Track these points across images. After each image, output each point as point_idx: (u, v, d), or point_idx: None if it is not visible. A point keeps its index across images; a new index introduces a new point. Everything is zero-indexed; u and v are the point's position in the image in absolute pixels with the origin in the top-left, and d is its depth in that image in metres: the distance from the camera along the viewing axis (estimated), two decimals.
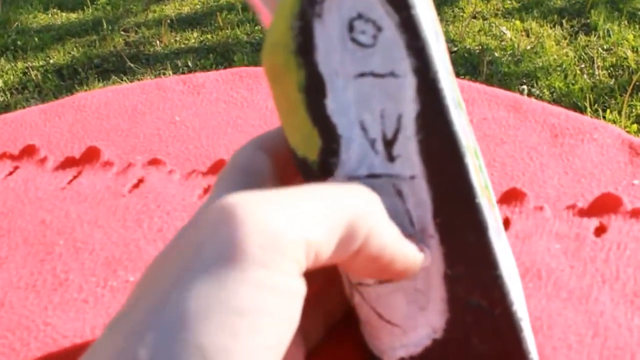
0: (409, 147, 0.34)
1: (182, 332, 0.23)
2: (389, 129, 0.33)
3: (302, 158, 0.35)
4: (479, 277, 0.36)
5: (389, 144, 0.34)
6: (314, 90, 0.34)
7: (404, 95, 0.33)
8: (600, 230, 0.51)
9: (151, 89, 0.75)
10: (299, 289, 0.27)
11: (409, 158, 0.34)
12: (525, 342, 0.37)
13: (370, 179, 0.34)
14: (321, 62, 0.33)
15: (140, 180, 0.60)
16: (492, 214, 0.37)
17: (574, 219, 0.52)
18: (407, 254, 0.33)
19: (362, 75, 0.33)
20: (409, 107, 0.33)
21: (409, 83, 0.33)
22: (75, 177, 0.61)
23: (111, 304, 0.48)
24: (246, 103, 0.71)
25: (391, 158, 0.34)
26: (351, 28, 0.33)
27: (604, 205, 0.52)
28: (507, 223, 0.52)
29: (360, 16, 0.33)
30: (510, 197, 0.54)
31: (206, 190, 0.58)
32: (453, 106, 0.34)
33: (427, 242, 0.35)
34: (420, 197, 0.34)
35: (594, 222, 0.51)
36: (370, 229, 0.30)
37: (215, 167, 0.60)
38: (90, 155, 0.63)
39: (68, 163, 0.63)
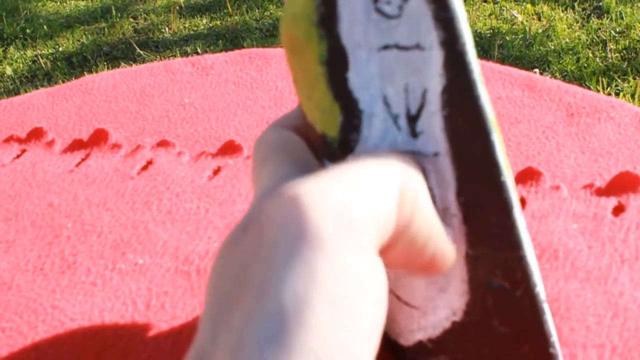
0: (433, 123, 0.32)
1: (288, 341, 0.21)
2: (413, 104, 0.32)
3: (322, 134, 0.34)
4: (502, 258, 0.34)
5: (412, 119, 0.32)
6: (335, 63, 0.32)
7: (430, 69, 0.32)
8: (618, 210, 0.50)
9: (159, 71, 0.74)
10: (381, 266, 0.25)
11: (433, 134, 0.32)
12: (547, 325, 0.36)
13: None
14: (344, 34, 0.32)
15: (149, 162, 0.59)
16: (514, 194, 0.35)
17: (591, 198, 0.51)
18: (445, 239, 0.32)
19: (386, 47, 0.32)
20: (435, 82, 0.32)
21: (435, 56, 0.32)
22: (83, 159, 0.60)
23: (119, 286, 0.47)
24: (255, 84, 0.70)
25: (414, 134, 0.33)
26: None
27: (622, 185, 0.51)
28: (522, 203, 0.51)
29: None
30: (525, 177, 0.53)
31: (215, 172, 0.57)
32: (480, 81, 0.33)
33: (449, 221, 0.34)
34: (443, 175, 0.33)
35: (612, 202, 0.50)
36: (415, 204, 0.29)
37: (225, 149, 0.59)
38: (98, 138, 0.62)
39: (76, 145, 0.62)
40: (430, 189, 0.33)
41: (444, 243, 0.32)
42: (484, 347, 0.37)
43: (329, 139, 0.34)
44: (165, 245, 0.50)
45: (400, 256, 0.30)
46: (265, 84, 0.70)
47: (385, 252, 0.28)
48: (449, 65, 0.31)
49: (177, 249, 0.49)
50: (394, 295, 0.37)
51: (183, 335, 0.43)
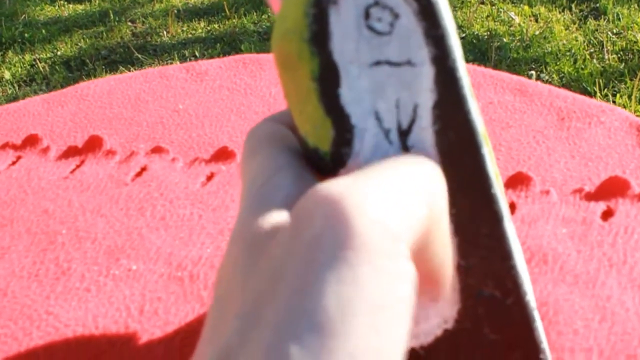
0: (424, 137, 0.33)
1: (328, 342, 0.21)
2: (404, 119, 0.33)
3: (313, 148, 0.35)
4: (493, 268, 0.35)
5: (404, 134, 0.33)
6: (327, 79, 0.33)
7: (421, 85, 0.32)
8: (607, 214, 0.50)
9: (154, 77, 0.74)
10: (413, 271, 0.25)
11: (424, 149, 0.33)
12: (538, 331, 0.36)
13: None
14: (336, 50, 0.32)
15: (143, 169, 0.59)
16: (504, 203, 0.36)
17: (580, 202, 0.51)
18: (450, 259, 0.32)
19: (377, 63, 0.33)
20: (426, 97, 0.32)
21: (427, 72, 0.32)
22: (78, 166, 0.61)
23: (113, 292, 0.47)
24: (249, 90, 0.70)
25: (406, 148, 0.33)
26: (367, 15, 0.32)
27: (612, 189, 0.52)
28: (512, 207, 0.51)
29: (376, 3, 0.32)
30: (516, 182, 0.53)
31: (209, 178, 0.58)
32: (470, 95, 0.33)
33: None
34: None
35: (601, 206, 0.51)
36: (441, 211, 0.29)
37: (218, 155, 0.60)
38: (93, 144, 0.63)
39: (71, 152, 0.63)
40: None
41: (449, 269, 0.32)
42: (476, 354, 0.37)
43: (321, 152, 0.34)
44: (158, 251, 0.50)
45: (420, 267, 0.30)
46: (259, 89, 0.70)
47: None
48: (440, 81, 0.32)
49: (171, 254, 0.50)
50: None
51: (175, 341, 0.43)
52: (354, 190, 0.25)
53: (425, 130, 0.32)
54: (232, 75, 0.73)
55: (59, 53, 2.75)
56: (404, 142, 0.33)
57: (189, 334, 0.44)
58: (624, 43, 2.44)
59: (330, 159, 0.34)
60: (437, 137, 0.32)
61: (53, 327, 0.45)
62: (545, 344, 0.36)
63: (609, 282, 0.44)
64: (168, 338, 0.44)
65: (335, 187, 0.25)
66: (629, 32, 2.49)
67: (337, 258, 0.23)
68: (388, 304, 0.23)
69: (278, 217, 0.27)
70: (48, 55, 2.74)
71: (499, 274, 0.35)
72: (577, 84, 2.21)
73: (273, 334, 0.22)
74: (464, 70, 0.32)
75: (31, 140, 0.64)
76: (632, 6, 2.65)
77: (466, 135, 0.32)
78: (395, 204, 0.25)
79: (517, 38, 2.53)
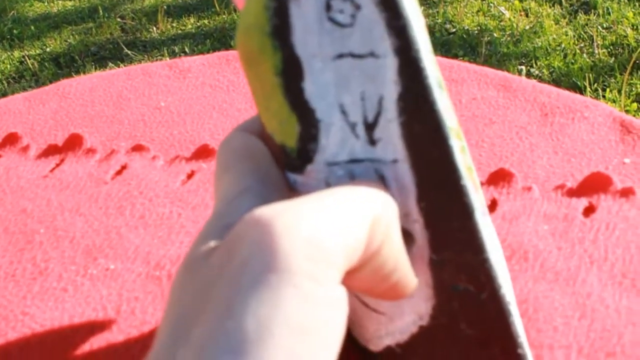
0: (391, 130, 0.32)
1: None
2: (370, 112, 0.32)
3: (281, 145, 0.34)
4: (465, 262, 0.34)
5: (370, 127, 0.32)
6: (291, 73, 0.32)
7: (385, 77, 0.32)
8: (589, 211, 0.50)
9: (137, 74, 0.74)
10: (344, 296, 0.25)
11: (391, 141, 0.33)
12: (514, 326, 0.36)
13: (351, 164, 0.33)
14: (298, 44, 0.32)
15: (124, 167, 0.59)
16: (477, 197, 0.35)
17: (562, 199, 0.51)
18: (409, 270, 0.32)
19: (340, 56, 0.32)
20: (390, 89, 0.32)
21: (390, 63, 0.32)
22: (57, 164, 0.60)
23: (90, 292, 0.47)
24: (232, 87, 0.70)
25: (372, 142, 0.33)
26: (328, 7, 0.32)
27: (594, 185, 0.51)
28: (494, 204, 0.51)
29: None
30: (497, 178, 0.53)
31: (189, 176, 0.57)
32: (436, 86, 0.33)
33: (411, 227, 0.34)
34: (403, 181, 0.33)
35: (583, 202, 0.50)
36: (386, 234, 0.29)
37: (199, 153, 0.59)
38: (73, 143, 0.62)
39: (51, 151, 0.62)
40: (391, 196, 0.33)
41: (407, 274, 0.32)
42: (453, 351, 0.37)
43: (288, 149, 0.34)
44: (137, 250, 0.50)
45: (364, 281, 0.30)
46: (241, 86, 0.69)
47: (349, 275, 0.28)
48: (403, 72, 0.31)
49: (149, 253, 0.49)
50: (361, 302, 0.37)
51: (152, 340, 0.43)
52: (285, 214, 0.25)
53: (391, 123, 0.32)
54: (215, 72, 0.72)
55: (48, 49, 2.74)
56: (371, 135, 0.32)
57: None
58: (614, 37, 2.44)
59: (297, 156, 0.33)
60: (403, 129, 0.32)
61: (29, 327, 0.45)
62: (523, 339, 0.36)
63: (589, 279, 0.44)
64: (144, 337, 0.43)
65: (268, 211, 0.25)
66: (619, 26, 2.49)
67: (259, 281, 0.23)
68: (311, 328, 0.23)
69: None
70: (37, 51, 2.73)
71: (472, 267, 0.34)
72: (567, 79, 2.21)
73: (196, 355, 0.22)
74: (430, 61, 0.32)
75: (11, 139, 0.64)
76: (621, 0, 2.65)
77: (432, 127, 0.32)
78: (329, 227, 0.25)
79: (508, 33, 2.52)
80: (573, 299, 0.43)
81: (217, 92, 0.69)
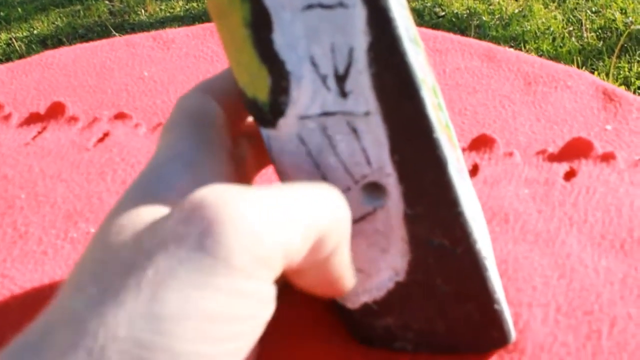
0: (361, 81, 0.32)
1: (155, 336, 0.21)
2: (340, 64, 0.32)
3: (252, 99, 0.34)
4: (440, 216, 0.34)
5: (341, 79, 0.32)
6: (260, 25, 0.32)
7: (354, 27, 0.32)
8: (570, 175, 0.50)
9: (120, 45, 0.73)
10: (272, 295, 0.26)
11: (363, 93, 0.32)
12: (490, 281, 0.36)
13: (324, 118, 0.33)
14: None
15: (106, 134, 0.59)
16: (453, 153, 0.35)
17: (543, 164, 0.51)
18: (351, 276, 0.33)
19: (309, 7, 0.32)
20: (360, 39, 0.32)
21: (359, 13, 0.32)
22: (39, 132, 0.60)
23: (71, 255, 0.47)
24: (216, 57, 0.69)
25: (344, 94, 0.33)
26: None
27: (575, 150, 0.51)
28: (475, 169, 0.51)
29: None
30: (479, 144, 0.53)
31: None
32: (407, 38, 0.32)
33: (384, 181, 0.34)
34: (376, 134, 0.33)
35: (564, 167, 0.51)
36: (335, 248, 0.29)
37: None
38: (55, 111, 0.62)
39: (33, 119, 0.62)
40: (364, 149, 0.33)
41: (349, 280, 0.33)
42: (429, 307, 0.37)
43: (260, 103, 0.34)
44: None
45: (305, 281, 0.31)
46: (225, 57, 0.69)
47: (291, 272, 0.29)
48: (372, 22, 0.31)
49: None
50: None
51: None
52: (236, 203, 0.25)
53: (361, 74, 0.32)
54: (199, 43, 0.72)
55: (35, 32, 2.72)
56: (342, 87, 0.32)
57: None
58: (602, 21, 2.44)
59: (269, 109, 0.33)
60: (374, 80, 0.32)
61: (8, 289, 0.45)
62: (500, 295, 0.36)
63: (569, 240, 0.44)
64: None
65: (219, 194, 0.25)
66: (608, 10, 2.50)
67: (194, 260, 0.23)
68: (231, 320, 0.23)
69: (147, 210, 0.26)
70: (24, 34, 2.71)
71: (446, 221, 0.34)
72: (555, 62, 2.21)
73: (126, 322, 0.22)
74: (402, 15, 0.32)
75: None
76: None
77: (403, 78, 0.32)
78: (275, 227, 0.25)
79: (497, 16, 2.52)
80: (552, 259, 0.43)
81: (200, 62, 0.69)
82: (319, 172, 0.34)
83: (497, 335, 0.37)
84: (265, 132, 0.35)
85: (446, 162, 0.33)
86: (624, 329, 0.39)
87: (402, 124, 0.33)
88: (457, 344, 0.38)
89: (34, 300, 0.43)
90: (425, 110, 0.32)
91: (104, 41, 0.74)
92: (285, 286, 0.33)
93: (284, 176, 0.36)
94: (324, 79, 0.32)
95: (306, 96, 0.33)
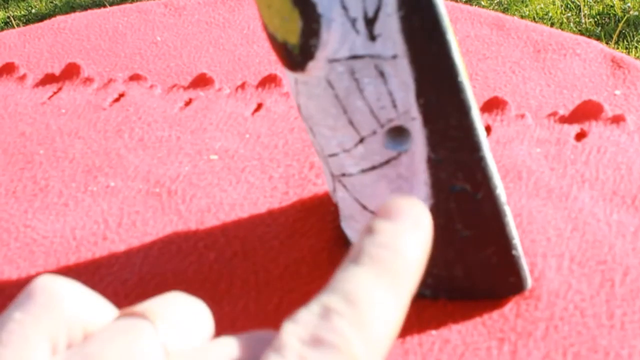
0: (390, 24, 0.33)
1: None
2: (370, 7, 0.33)
3: (282, 42, 0.35)
4: (463, 160, 0.35)
5: (370, 22, 0.33)
6: None
7: None
8: (581, 136, 0.51)
9: (132, 12, 0.74)
10: None
11: (391, 37, 0.33)
12: (509, 227, 0.37)
13: (352, 61, 0.34)
14: None
15: (121, 95, 0.59)
16: (474, 101, 0.36)
17: (555, 125, 0.52)
18: None
19: None
20: None
21: None
22: (55, 92, 0.61)
23: (91, 207, 0.47)
24: (227, 24, 0.70)
25: (372, 37, 0.33)
26: None
27: (585, 112, 0.52)
28: (488, 130, 0.52)
29: None
30: (491, 106, 0.54)
31: (187, 104, 0.58)
32: None
33: (409, 124, 0.35)
34: (402, 77, 0.34)
35: (574, 128, 0.52)
36: None
37: (196, 81, 0.60)
38: (70, 72, 0.62)
39: (48, 80, 0.62)
40: (390, 93, 0.34)
41: None
42: (449, 252, 0.38)
43: (290, 46, 0.34)
44: (136, 169, 0.50)
45: None
46: (237, 24, 0.70)
47: None
48: None
49: (149, 172, 0.50)
50: (360, 205, 0.38)
51: (154, 249, 0.44)
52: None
53: (390, 17, 0.33)
54: (211, 10, 0.73)
55: (33, 11, 2.71)
56: (371, 30, 0.33)
57: (166, 244, 0.44)
58: (600, 7, 2.45)
59: (299, 52, 0.34)
60: (402, 23, 0.33)
61: (31, 238, 0.45)
62: (517, 240, 0.37)
63: (581, 196, 0.45)
64: (146, 247, 0.44)
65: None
66: None
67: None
68: None
69: None
70: (22, 12, 2.70)
71: (469, 166, 0.35)
72: None
73: None
74: None
75: (7, 69, 0.64)
76: None
77: (431, 20, 0.33)
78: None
79: (495, 2, 2.53)
80: (565, 213, 0.44)
81: (212, 28, 0.69)
82: (345, 116, 0.35)
83: (514, 281, 0.38)
84: (294, 77, 0.36)
85: (470, 107, 0.34)
86: (637, 277, 0.40)
87: (428, 67, 0.33)
88: (475, 289, 0.39)
89: (57, 249, 0.44)
90: (451, 53, 0.33)
91: (115, 7, 0.75)
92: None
93: (310, 121, 0.37)
94: (353, 22, 0.33)
95: (335, 39, 0.33)
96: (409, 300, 0.20)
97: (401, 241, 0.21)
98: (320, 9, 0.33)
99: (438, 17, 0.33)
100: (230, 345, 0.21)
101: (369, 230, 0.21)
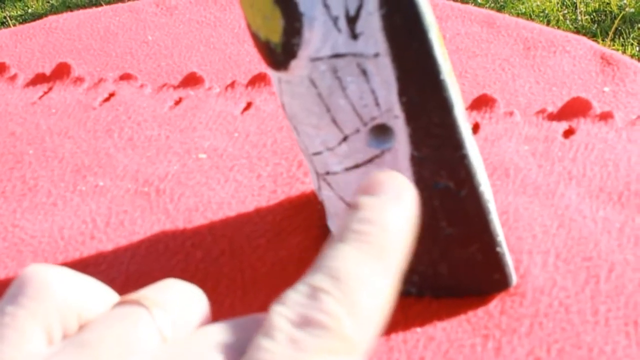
0: (372, 23, 0.33)
1: None
2: (351, 5, 0.33)
3: (265, 41, 0.35)
4: (445, 157, 0.35)
5: (352, 21, 0.33)
6: None
7: None
8: (569, 133, 0.51)
9: (123, 11, 0.74)
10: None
11: (373, 35, 0.33)
12: (493, 223, 0.37)
13: (334, 59, 0.34)
14: None
15: (112, 94, 0.59)
16: (458, 98, 0.36)
17: (543, 122, 0.52)
18: None
19: None
20: None
21: None
22: (45, 92, 0.61)
23: (80, 206, 0.47)
24: (219, 23, 0.70)
25: (354, 36, 0.33)
26: None
27: (574, 109, 0.53)
28: (476, 127, 0.52)
29: None
30: (480, 103, 0.54)
31: (177, 103, 0.58)
32: None
33: (392, 123, 0.35)
34: (385, 75, 0.34)
35: (563, 125, 0.52)
36: None
37: (187, 80, 0.60)
38: (61, 72, 0.62)
39: (39, 79, 0.62)
40: (373, 91, 0.34)
41: None
42: (434, 250, 0.38)
43: (273, 45, 0.34)
44: (125, 168, 0.50)
45: None
46: (228, 22, 0.70)
47: None
48: None
49: (137, 172, 0.50)
50: (345, 203, 0.38)
51: (142, 248, 0.44)
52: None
53: (372, 15, 0.33)
54: (202, 9, 0.73)
55: (29, 11, 2.71)
56: (353, 29, 0.33)
57: (154, 243, 0.44)
58: (596, 4, 2.45)
59: (281, 50, 0.34)
60: (384, 21, 0.33)
61: (19, 238, 0.45)
62: (501, 237, 0.37)
63: (568, 193, 0.45)
64: (133, 246, 0.44)
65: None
66: None
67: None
68: None
69: None
70: (19, 12, 2.70)
71: (452, 163, 0.35)
72: None
73: None
74: None
75: None
76: None
77: (412, 19, 0.33)
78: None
79: None
80: (552, 210, 0.44)
81: (204, 27, 0.69)
82: (328, 115, 0.35)
83: (498, 278, 0.39)
84: (277, 76, 0.36)
85: (452, 105, 0.34)
86: (622, 274, 0.40)
87: (410, 65, 0.33)
88: (460, 286, 0.39)
89: (45, 248, 0.44)
90: (433, 52, 0.33)
91: (106, 7, 0.75)
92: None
93: (294, 120, 0.37)
94: (335, 20, 0.33)
95: (318, 38, 0.33)
96: (398, 274, 0.20)
97: (385, 215, 0.21)
98: (302, 7, 0.33)
99: (419, 16, 0.33)
100: (225, 329, 0.21)
101: (353, 207, 0.21)
